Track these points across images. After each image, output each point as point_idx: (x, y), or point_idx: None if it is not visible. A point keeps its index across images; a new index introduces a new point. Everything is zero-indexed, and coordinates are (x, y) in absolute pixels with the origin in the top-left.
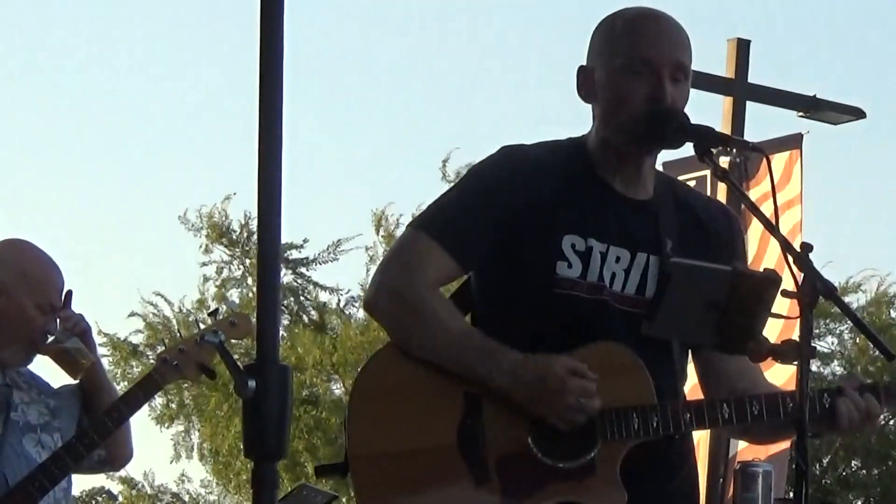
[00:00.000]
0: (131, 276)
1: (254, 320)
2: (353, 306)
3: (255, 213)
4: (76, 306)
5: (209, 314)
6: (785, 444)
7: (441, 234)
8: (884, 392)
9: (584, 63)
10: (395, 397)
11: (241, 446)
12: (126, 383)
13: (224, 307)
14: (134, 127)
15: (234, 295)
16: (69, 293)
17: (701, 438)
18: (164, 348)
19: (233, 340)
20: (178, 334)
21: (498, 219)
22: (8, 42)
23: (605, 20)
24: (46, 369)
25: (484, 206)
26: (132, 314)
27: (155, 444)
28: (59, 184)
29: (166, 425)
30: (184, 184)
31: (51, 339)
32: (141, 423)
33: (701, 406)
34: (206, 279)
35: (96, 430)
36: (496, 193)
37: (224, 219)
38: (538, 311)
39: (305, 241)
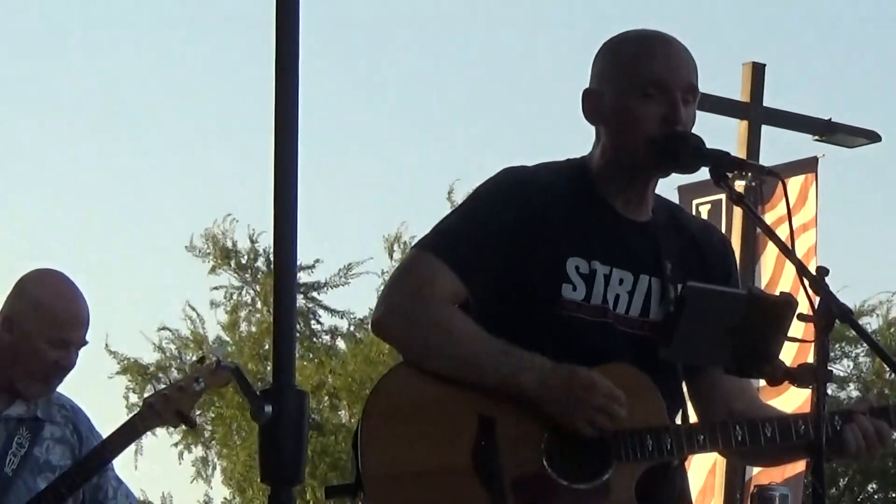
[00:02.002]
0: (144, 300)
1: (267, 346)
2: (364, 330)
3: (259, 231)
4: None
5: (196, 361)
6: (801, 467)
7: (448, 255)
8: (894, 414)
9: (589, 86)
10: (407, 418)
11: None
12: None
13: (211, 355)
14: (132, 139)
15: (247, 318)
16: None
17: (717, 462)
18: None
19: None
20: (171, 378)
21: (503, 240)
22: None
23: (610, 43)
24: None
25: (489, 228)
26: (162, 328)
27: (173, 466)
28: (71, 208)
29: (188, 450)
30: (186, 203)
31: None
32: (159, 447)
33: (714, 428)
34: (213, 305)
35: (78, 473)
36: (501, 215)
37: (228, 240)
38: (542, 333)
39: (317, 261)
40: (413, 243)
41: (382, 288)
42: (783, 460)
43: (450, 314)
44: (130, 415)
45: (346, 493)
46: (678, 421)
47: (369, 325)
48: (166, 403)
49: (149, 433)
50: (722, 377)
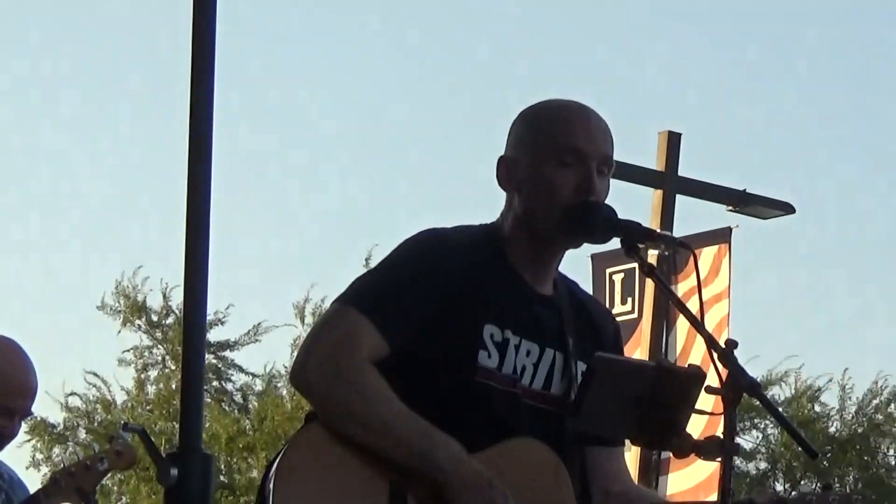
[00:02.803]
0: (51, 361)
1: (177, 402)
2: (275, 387)
3: (172, 285)
4: None
5: (121, 427)
6: (713, 497)
7: (371, 311)
8: None
9: (505, 153)
10: (318, 479)
11: None
12: (48, 467)
13: (119, 436)
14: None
15: (152, 376)
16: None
17: None
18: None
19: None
20: (77, 456)
21: (424, 300)
22: None
23: (529, 110)
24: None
25: (411, 287)
26: (70, 394)
27: None
28: None
29: None
30: (96, 261)
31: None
32: None
33: None
34: (121, 363)
35: None
36: (422, 276)
37: (140, 295)
38: (453, 397)
39: (226, 313)
40: (333, 298)
41: (303, 340)
42: None
43: (370, 380)
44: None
45: None
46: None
47: (289, 378)
48: (70, 480)
49: None
50: (602, 458)
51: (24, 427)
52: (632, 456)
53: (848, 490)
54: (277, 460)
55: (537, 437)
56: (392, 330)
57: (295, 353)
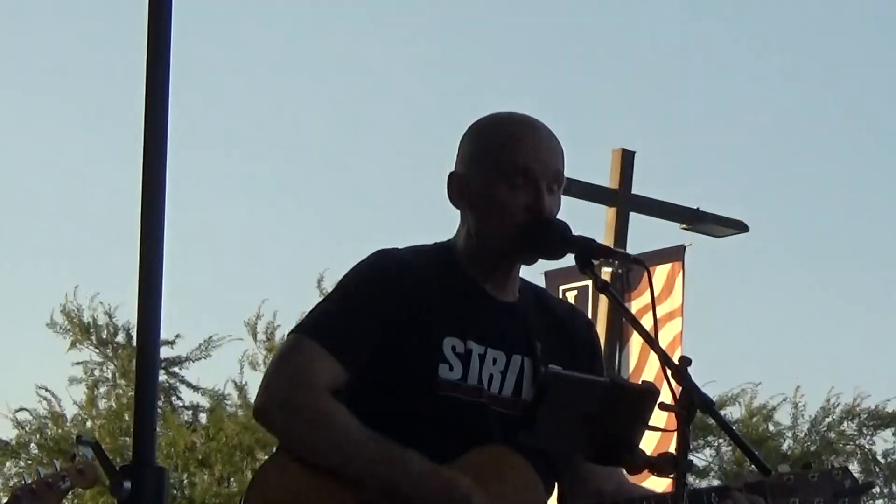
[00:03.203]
0: (2, 375)
1: (128, 416)
2: (226, 404)
3: (116, 305)
4: None
5: (75, 440)
6: None
7: (327, 339)
8: (769, 489)
9: (455, 169)
10: None
11: None
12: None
13: (80, 454)
14: None
15: (102, 392)
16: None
17: None
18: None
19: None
20: (38, 474)
21: (380, 322)
22: None
23: (477, 126)
24: None
25: (366, 310)
26: (19, 409)
27: None
28: None
29: None
30: (43, 279)
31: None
32: None
33: None
34: (72, 381)
35: None
36: (376, 297)
37: (87, 316)
38: (418, 413)
39: (177, 336)
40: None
41: (263, 375)
42: None
43: (331, 410)
44: None
45: None
46: (553, 499)
47: (252, 414)
48: (32, 498)
49: None
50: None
51: None
52: None
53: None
54: (247, 491)
55: (509, 443)
56: (348, 355)
57: (245, 369)
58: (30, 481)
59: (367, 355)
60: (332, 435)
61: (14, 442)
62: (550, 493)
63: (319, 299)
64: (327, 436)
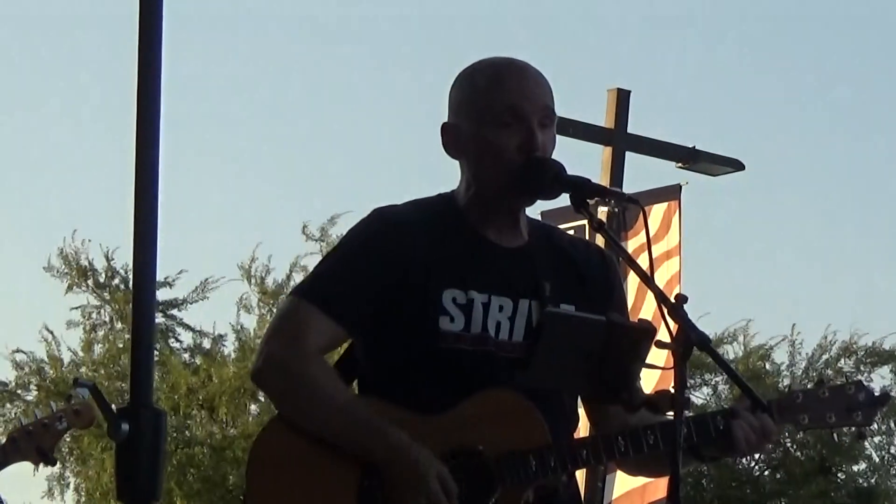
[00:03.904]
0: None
1: (124, 359)
2: (223, 345)
3: (114, 248)
4: None
5: (73, 382)
6: (661, 493)
7: (321, 300)
8: (776, 408)
9: (447, 120)
10: (293, 465)
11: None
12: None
13: (77, 394)
14: None
15: (100, 336)
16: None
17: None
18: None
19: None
20: (36, 415)
21: (377, 280)
22: None
23: (464, 73)
24: None
25: (362, 269)
26: (16, 350)
27: (29, 483)
28: None
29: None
30: (40, 222)
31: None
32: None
33: (596, 440)
34: (70, 324)
35: None
36: (373, 255)
37: (84, 259)
38: (424, 367)
39: (174, 278)
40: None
41: (262, 337)
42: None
43: (318, 376)
44: None
45: None
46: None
47: (250, 377)
48: (29, 439)
49: None
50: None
51: None
52: None
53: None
54: (249, 452)
55: (517, 388)
56: (344, 315)
57: (241, 312)
58: (26, 422)
59: (365, 314)
60: (316, 399)
61: (13, 383)
62: (566, 433)
63: (306, 247)
64: (312, 400)
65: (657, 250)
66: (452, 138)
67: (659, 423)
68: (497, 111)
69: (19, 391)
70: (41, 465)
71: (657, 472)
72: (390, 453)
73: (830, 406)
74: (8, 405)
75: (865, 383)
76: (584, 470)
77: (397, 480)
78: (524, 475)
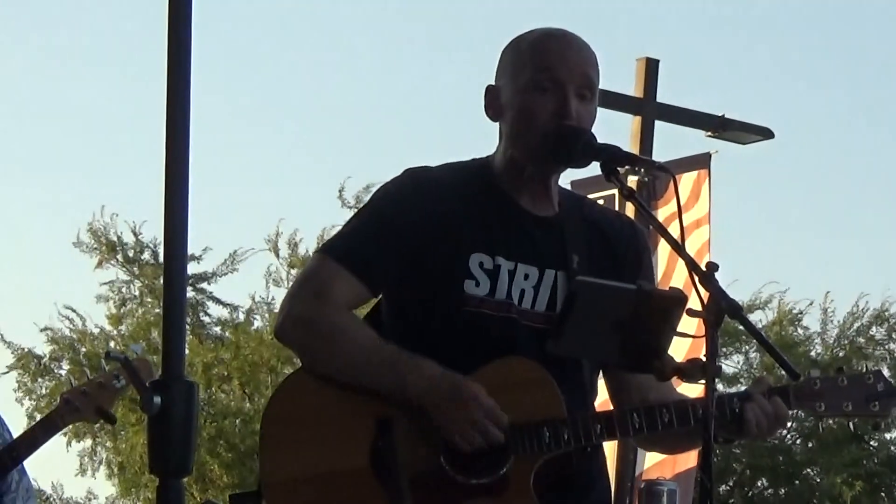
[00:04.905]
0: (34, 291)
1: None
2: (253, 318)
3: (141, 222)
4: None
5: (104, 356)
6: (692, 462)
7: (347, 258)
8: (793, 394)
9: (493, 83)
10: (306, 422)
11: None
12: (31, 401)
13: (133, 351)
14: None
15: (132, 311)
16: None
17: (607, 455)
18: (68, 381)
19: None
20: (87, 376)
21: (404, 240)
22: None
23: (513, 40)
24: None
25: (389, 228)
26: (44, 329)
27: (62, 457)
28: None
29: (77, 439)
30: (70, 198)
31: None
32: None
33: (611, 416)
34: (99, 298)
35: None
36: (401, 215)
37: (112, 234)
38: (446, 329)
39: (204, 250)
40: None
41: (286, 294)
42: (691, 446)
43: (345, 322)
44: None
45: (248, 500)
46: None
47: (273, 334)
48: (86, 399)
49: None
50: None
51: (9, 357)
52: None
53: None
54: (266, 406)
55: (539, 357)
56: (369, 274)
57: (270, 284)
58: (76, 384)
59: (391, 273)
60: (345, 345)
61: (47, 357)
62: (582, 406)
63: (341, 210)
64: (341, 346)
65: (687, 219)
66: (492, 100)
67: (674, 401)
68: (536, 76)
69: (52, 365)
70: (100, 422)
71: (670, 448)
72: (426, 382)
73: (848, 395)
74: (39, 379)
75: (883, 373)
76: (618, 448)
77: (436, 412)
78: (537, 446)
